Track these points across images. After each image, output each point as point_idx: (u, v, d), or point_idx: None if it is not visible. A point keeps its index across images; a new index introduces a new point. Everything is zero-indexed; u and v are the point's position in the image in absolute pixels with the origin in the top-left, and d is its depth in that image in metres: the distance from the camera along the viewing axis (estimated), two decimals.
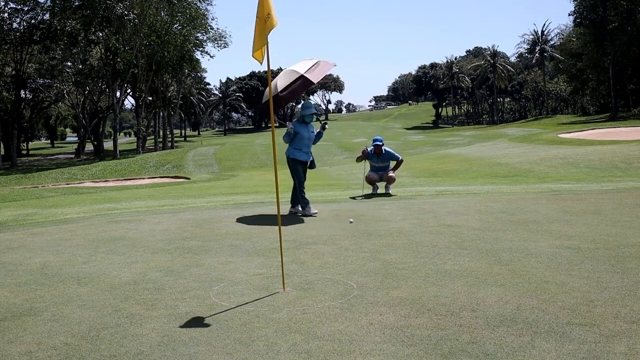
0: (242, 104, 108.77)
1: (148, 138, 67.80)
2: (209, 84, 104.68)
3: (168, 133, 65.42)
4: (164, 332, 3.39)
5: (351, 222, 7.07)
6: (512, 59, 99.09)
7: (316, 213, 8.01)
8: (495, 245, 5.45)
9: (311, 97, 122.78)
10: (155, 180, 24.55)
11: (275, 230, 5.90)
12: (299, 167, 8.24)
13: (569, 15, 69.75)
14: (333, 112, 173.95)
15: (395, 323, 3.37)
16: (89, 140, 65.72)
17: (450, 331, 3.20)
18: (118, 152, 50.23)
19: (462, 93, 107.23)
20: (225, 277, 4.66)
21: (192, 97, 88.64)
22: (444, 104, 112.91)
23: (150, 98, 56.69)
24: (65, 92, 58.15)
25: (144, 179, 26.43)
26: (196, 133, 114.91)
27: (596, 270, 4.37)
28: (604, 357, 2.78)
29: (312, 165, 8.50)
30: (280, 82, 7.71)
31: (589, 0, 50.18)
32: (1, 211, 10.48)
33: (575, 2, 52.27)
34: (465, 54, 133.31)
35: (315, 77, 7.65)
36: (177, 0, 48.52)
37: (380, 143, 10.19)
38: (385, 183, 10.32)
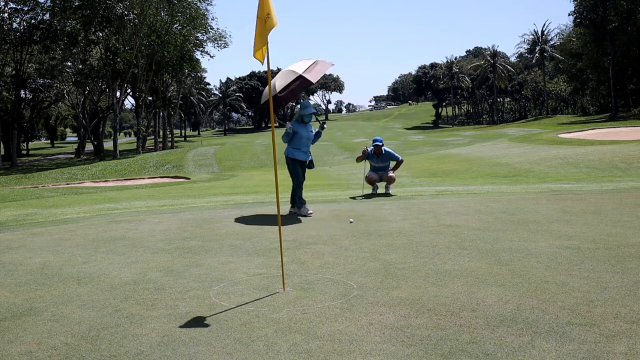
0: (242, 104, 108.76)
1: (148, 138, 67.79)
2: (209, 84, 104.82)
3: (168, 133, 65.40)
4: (164, 332, 3.39)
5: (351, 222, 7.08)
6: (512, 59, 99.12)
7: (311, 213, 8.03)
8: (495, 245, 5.45)
9: (311, 97, 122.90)
10: (155, 180, 24.55)
11: (275, 230, 5.90)
12: (298, 167, 8.26)
13: (569, 15, 69.92)
14: (333, 112, 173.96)
15: (395, 323, 3.37)
16: (89, 140, 65.72)
17: (450, 331, 3.20)
18: (118, 152, 50.23)
19: (462, 93, 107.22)
20: (225, 277, 4.66)
21: (192, 97, 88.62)
22: (444, 104, 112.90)
23: (150, 98, 56.69)
24: (65, 92, 58.16)
25: (144, 179, 26.42)
26: (196, 133, 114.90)
27: (596, 270, 4.37)
28: (604, 357, 2.78)
29: (311, 165, 8.50)
30: (279, 83, 7.71)
31: (589, 0, 50.17)
32: (1, 211, 10.48)
33: (575, 2, 52.28)
34: (465, 54, 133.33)
35: (313, 77, 7.67)
36: (177, 0, 48.52)
37: (380, 143, 10.19)
38: (385, 183, 10.32)
